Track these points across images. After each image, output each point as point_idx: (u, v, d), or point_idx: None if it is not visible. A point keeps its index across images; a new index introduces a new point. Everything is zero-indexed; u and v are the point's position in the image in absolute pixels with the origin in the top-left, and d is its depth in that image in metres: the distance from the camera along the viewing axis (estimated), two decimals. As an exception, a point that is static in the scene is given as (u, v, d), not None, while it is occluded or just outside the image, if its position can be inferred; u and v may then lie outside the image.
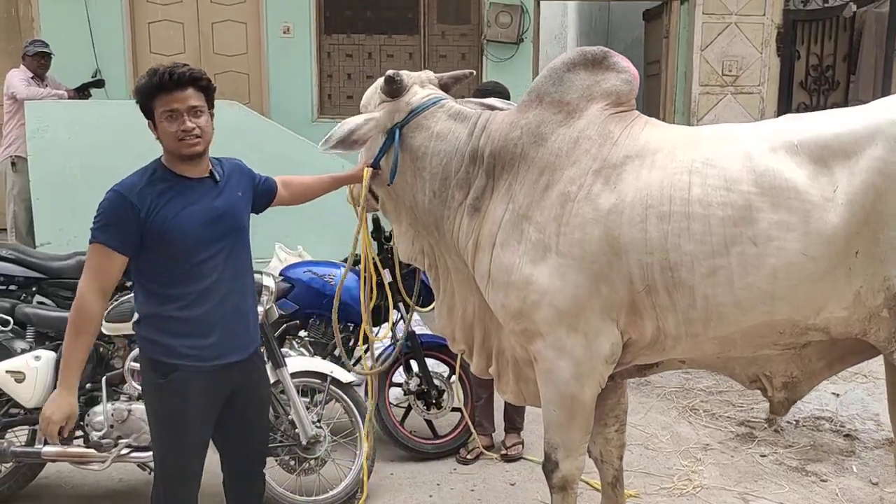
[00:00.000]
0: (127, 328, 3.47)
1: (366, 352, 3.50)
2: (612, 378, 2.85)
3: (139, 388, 3.41)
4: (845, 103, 7.37)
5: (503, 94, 3.92)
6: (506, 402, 4.33)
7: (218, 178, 2.61)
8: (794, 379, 2.80)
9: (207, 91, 2.51)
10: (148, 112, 2.47)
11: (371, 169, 3.06)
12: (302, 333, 4.38)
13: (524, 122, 2.80)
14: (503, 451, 4.22)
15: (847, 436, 4.51)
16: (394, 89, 2.99)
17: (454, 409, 4.29)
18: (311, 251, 5.65)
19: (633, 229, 2.54)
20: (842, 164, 2.39)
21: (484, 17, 6.74)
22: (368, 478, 3.67)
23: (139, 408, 3.43)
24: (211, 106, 2.55)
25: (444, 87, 3.16)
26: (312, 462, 3.58)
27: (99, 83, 6.57)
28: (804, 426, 4.63)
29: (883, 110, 2.42)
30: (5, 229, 6.76)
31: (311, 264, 4.47)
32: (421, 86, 3.08)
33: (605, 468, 3.15)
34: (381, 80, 3.06)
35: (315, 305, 4.30)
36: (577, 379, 2.70)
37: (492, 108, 3.12)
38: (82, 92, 6.49)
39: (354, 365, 4.23)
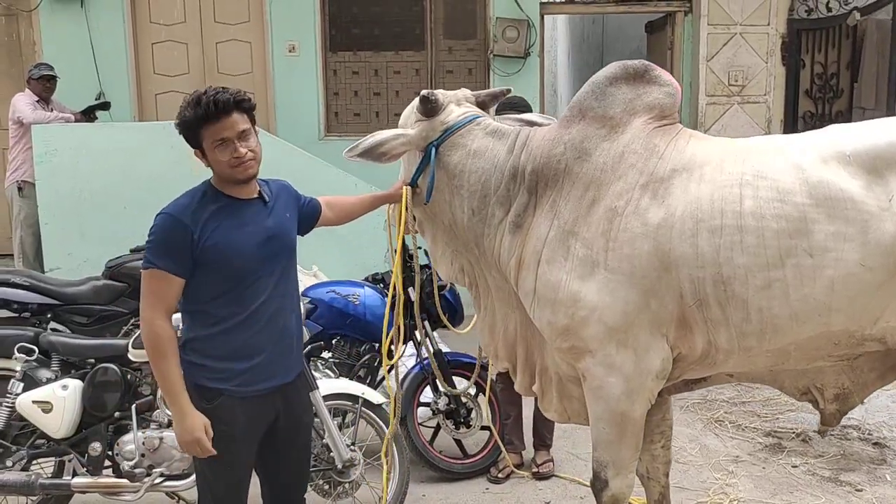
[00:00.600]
0: (154, 355, 3.43)
1: (389, 371, 3.44)
2: (659, 394, 2.82)
3: (171, 414, 3.35)
4: (849, 111, 7.42)
5: (527, 107, 3.90)
6: (535, 419, 4.31)
7: (267, 198, 2.61)
8: (846, 390, 2.78)
9: (250, 111, 2.49)
10: (194, 142, 2.44)
11: (409, 187, 3.05)
12: (325, 355, 4.33)
13: (568, 138, 2.77)
14: (534, 469, 4.18)
15: (876, 444, 4.49)
16: (429, 108, 2.97)
17: (483, 428, 4.24)
18: (323, 270, 5.61)
19: (684, 243, 2.52)
20: (896, 175, 2.38)
21: (490, 32, 6.74)
22: (402, 500, 3.62)
23: (171, 435, 3.36)
24: (254, 124, 2.52)
25: (482, 104, 3.14)
26: (347, 486, 3.52)
27: (105, 105, 6.52)
28: (832, 435, 4.60)
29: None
30: (11, 255, 6.67)
31: (333, 284, 4.42)
32: (457, 104, 3.06)
33: (652, 485, 3.10)
34: (417, 100, 3.04)
35: (339, 326, 4.26)
36: (628, 395, 2.66)
37: (531, 123, 3.10)
38: (88, 115, 6.44)
39: (377, 386, 4.20)
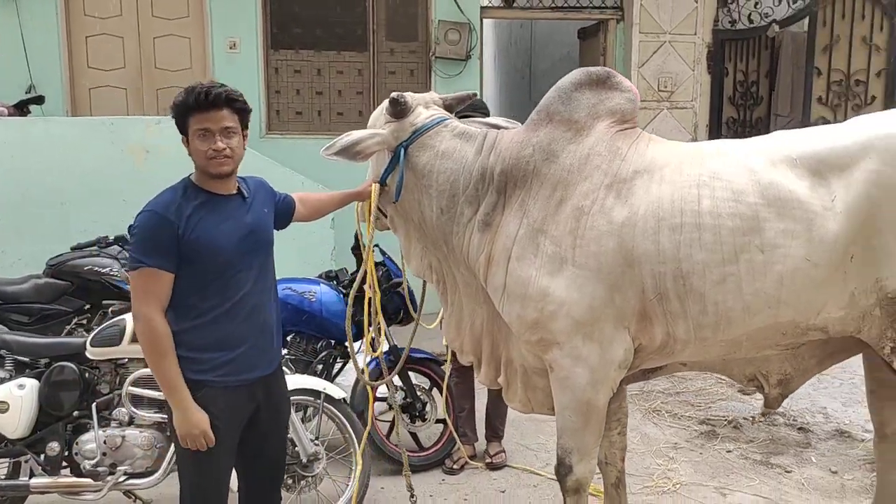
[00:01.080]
0: (113, 352, 3.42)
1: (368, 364, 3.53)
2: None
3: (137, 412, 3.35)
4: (768, 117, 7.86)
5: (487, 111, 4.03)
6: (487, 412, 4.45)
7: (246, 195, 2.67)
8: (788, 376, 3.01)
9: (242, 112, 2.54)
10: (182, 128, 2.50)
11: (378, 185, 3.13)
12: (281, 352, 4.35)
13: (536, 140, 2.91)
14: (488, 460, 4.31)
15: (801, 429, 4.81)
16: (398, 110, 3.07)
17: (438, 421, 4.35)
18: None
19: (647, 241, 2.68)
20: (838, 176, 2.60)
21: (432, 35, 6.85)
22: (364, 493, 3.70)
23: (133, 433, 3.37)
24: (245, 127, 2.57)
25: (448, 107, 3.25)
26: (310, 479, 3.58)
27: (38, 99, 6.32)
28: (761, 422, 4.91)
29: (873, 126, 2.64)
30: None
31: (288, 281, 4.43)
32: (425, 106, 3.16)
33: (609, 470, 3.28)
34: (386, 101, 3.13)
35: (294, 322, 4.29)
36: (593, 385, 2.81)
37: (494, 126, 3.23)
38: (22, 109, 6.23)
39: (333, 380, 4.26)
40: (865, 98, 7.53)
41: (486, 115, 3.74)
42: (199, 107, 2.43)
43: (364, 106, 7.00)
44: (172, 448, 3.51)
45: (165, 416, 3.12)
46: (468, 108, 3.83)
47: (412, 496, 3.62)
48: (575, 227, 2.77)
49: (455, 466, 4.25)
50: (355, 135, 3.08)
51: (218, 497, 2.64)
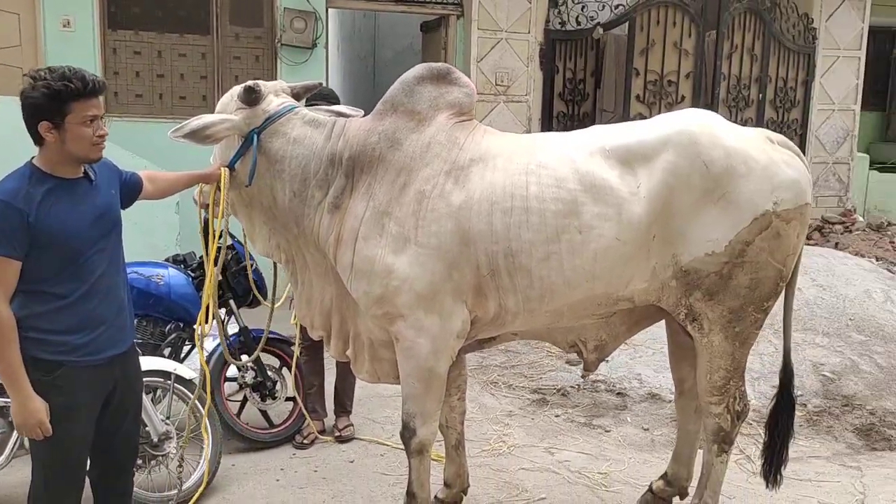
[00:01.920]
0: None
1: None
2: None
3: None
4: (594, 112, 8.50)
5: (336, 99, 4.20)
6: (336, 389, 4.64)
7: (92, 177, 2.69)
8: (603, 342, 3.43)
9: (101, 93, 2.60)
10: (55, 114, 2.45)
11: (228, 169, 3.24)
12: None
13: (381, 129, 3.14)
14: (336, 434, 4.51)
15: (619, 394, 5.35)
16: (252, 98, 3.19)
17: (288, 399, 4.50)
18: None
19: (481, 222, 2.99)
20: (643, 166, 3.02)
21: (278, 22, 6.89)
22: (216, 470, 3.81)
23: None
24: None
25: (296, 95, 3.41)
26: (161, 458, 3.64)
27: None
28: (584, 389, 5.40)
29: (672, 123, 3.08)
30: None
31: (134, 265, 4.41)
32: (275, 94, 3.30)
33: (450, 433, 3.58)
34: (237, 88, 3.25)
35: (141, 306, 4.26)
36: (434, 354, 3.09)
37: (340, 114, 3.42)
38: None
39: (182, 362, 4.30)
40: (676, 97, 8.34)
41: (336, 103, 3.91)
42: (85, 93, 2.45)
43: (208, 90, 6.94)
44: (15, 434, 3.48)
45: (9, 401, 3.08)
46: (318, 97, 4.00)
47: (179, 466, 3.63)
48: (417, 209, 3.03)
49: (305, 441, 4.42)
50: (206, 119, 3.17)
51: (75, 475, 2.67)
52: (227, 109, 3.25)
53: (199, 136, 3.15)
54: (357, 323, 3.34)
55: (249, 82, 3.21)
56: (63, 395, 2.57)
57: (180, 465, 3.55)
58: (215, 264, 3.68)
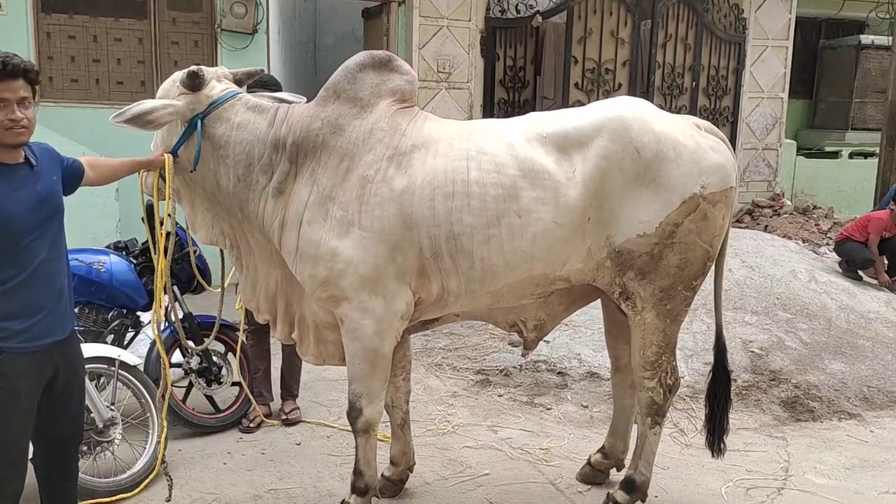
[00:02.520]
0: None
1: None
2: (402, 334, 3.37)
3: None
4: (534, 99, 8.65)
5: (278, 86, 4.22)
6: (282, 373, 4.69)
7: (34, 163, 2.68)
8: (542, 321, 3.56)
9: (35, 82, 2.57)
10: None
11: (171, 156, 3.25)
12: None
13: (324, 115, 3.20)
14: (283, 417, 4.56)
15: (559, 373, 5.51)
16: (195, 83, 3.21)
17: (234, 384, 4.53)
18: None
19: (423, 206, 3.08)
20: (577, 151, 3.14)
21: (217, 6, 6.83)
22: (164, 456, 3.84)
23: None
24: (35, 96, 2.60)
25: (238, 81, 3.43)
26: (106, 444, 3.64)
27: None
28: (527, 369, 5.55)
29: (605, 110, 3.21)
30: None
31: (75, 252, 4.36)
32: (218, 80, 3.32)
33: (395, 412, 3.68)
34: (179, 74, 3.26)
35: (82, 293, 4.24)
36: (379, 335, 3.18)
37: (282, 100, 3.45)
38: None
39: (126, 349, 4.29)
40: (614, 85, 8.55)
41: (278, 90, 3.94)
42: None
43: (146, 75, 6.84)
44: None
45: None
46: (259, 83, 4.03)
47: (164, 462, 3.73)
48: (360, 193, 3.10)
49: (251, 425, 4.45)
50: (148, 104, 3.17)
51: (17, 459, 2.67)
52: (170, 95, 3.26)
53: (142, 121, 3.16)
54: (302, 306, 3.40)
55: (193, 67, 3.22)
56: (6, 379, 2.58)
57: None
58: (165, 251, 3.69)
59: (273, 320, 3.47)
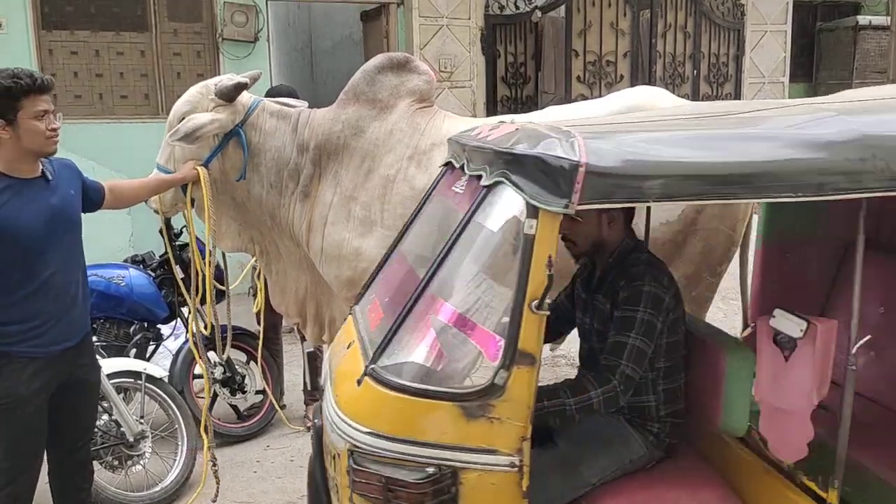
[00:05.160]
0: None
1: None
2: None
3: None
4: (536, 94, 8.63)
5: (294, 94, 4.23)
6: (304, 377, 4.67)
7: (50, 176, 2.70)
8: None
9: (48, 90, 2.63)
10: (6, 112, 2.49)
11: (205, 169, 3.22)
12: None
13: (344, 117, 3.21)
14: (308, 423, 4.54)
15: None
16: (236, 94, 3.18)
17: (257, 392, 4.52)
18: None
19: (445, 204, 3.07)
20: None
21: (218, 16, 6.82)
22: (193, 467, 3.83)
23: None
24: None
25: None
26: (137, 458, 3.64)
27: None
28: (546, 364, 5.54)
29: (625, 100, 3.24)
30: None
31: (94, 267, 4.36)
32: None
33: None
34: (207, 85, 3.22)
35: (103, 309, 4.24)
36: (406, 333, 3.17)
37: (287, 105, 3.44)
38: None
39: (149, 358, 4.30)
40: (615, 77, 8.53)
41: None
42: (35, 90, 2.51)
43: (150, 88, 6.83)
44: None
45: None
46: (281, 94, 4.06)
47: (214, 464, 3.66)
48: (382, 193, 3.11)
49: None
50: (198, 119, 3.14)
51: (29, 464, 2.70)
52: (201, 107, 3.20)
53: (192, 138, 3.14)
54: (333, 308, 3.42)
55: (237, 78, 3.19)
56: (13, 385, 2.60)
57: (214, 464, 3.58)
58: (203, 266, 3.63)
59: (303, 323, 3.49)
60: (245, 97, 3.25)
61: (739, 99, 9.32)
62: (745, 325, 3.61)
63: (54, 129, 2.58)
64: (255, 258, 3.54)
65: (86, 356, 2.90)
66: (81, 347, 2.83)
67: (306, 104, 3.47)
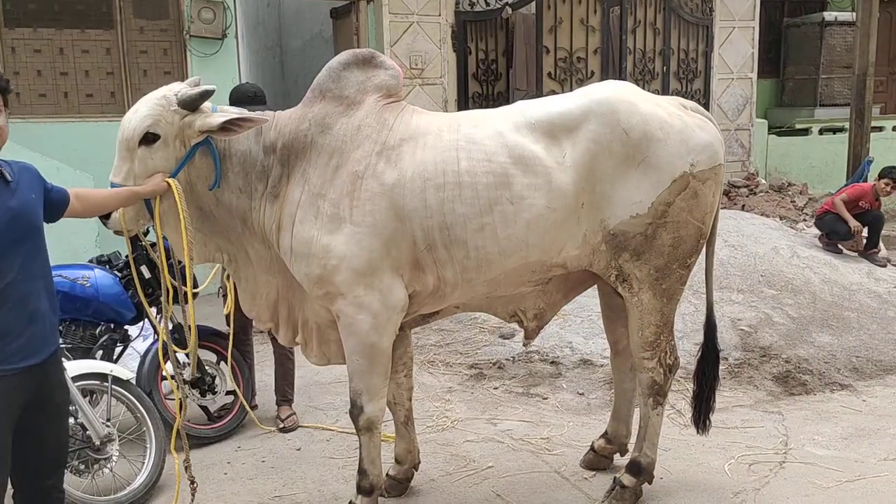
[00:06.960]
0: None
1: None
2: (400, 329, 3.34)
3: None
4: (507, 91, 8.65)
5: (259, 94, 4.19)
6: (275, 378, 4.63)
7: (9, 178, 2.56)
8: (541, 310, 3.55)
9: (5, 92, 2.51)
10: None
11: (176, 181, 3.09)
12: (55, 341, 4.22)
13: (311, 115, 3.17)
14: (280, 425, 4.50)
15: (552, 363, 5.51)
16: (202, 103, 3.07)
17: (228, 393, 4.47)
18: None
19: (415, 199, 3.06)
20: (567, 136, 3.14)
21: (185, 13, 6.74)
22: (161, 470, 3.77)
23: None
24: (7, 105, 2.53)
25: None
26: (104, 461, 3.57)
27: None
28: (520, 360, 5.55)
29: (592, 94, 3.21)
30: None
31: (59, 268, 4.28)
32: None
33: (398, 409, 3.64)
34: (167, 95, 3.08)
35: (68, 310, 4.16)
36: (376, 329, 3.15)
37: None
38: None
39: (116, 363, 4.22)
40: (586, 73, 8.57)
41: (263, 102, 3.92)
42: None
43: (116, 86, 6.73)
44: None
45: None
46: (247, 98, 4.02)
47: (190, 478, 3.49)
48: (351, 189, 3.07)
49: (286, 426, 4.45)
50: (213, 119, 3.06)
51: None
52: (165, 119, 3.05)
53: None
54: (305, 310, 3.37)
55: (200, 88, 3.10)
56: None
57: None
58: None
59: (275, 327, 3.43)
60: (206, 105, 3.15)
61: (708, 95, 9.41)
62: (709, 317, 3.63)
63: None
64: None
65: (53, 375, 2.69)
66: (48, 366, 2.63)
67: (266, 110, 3.40)
